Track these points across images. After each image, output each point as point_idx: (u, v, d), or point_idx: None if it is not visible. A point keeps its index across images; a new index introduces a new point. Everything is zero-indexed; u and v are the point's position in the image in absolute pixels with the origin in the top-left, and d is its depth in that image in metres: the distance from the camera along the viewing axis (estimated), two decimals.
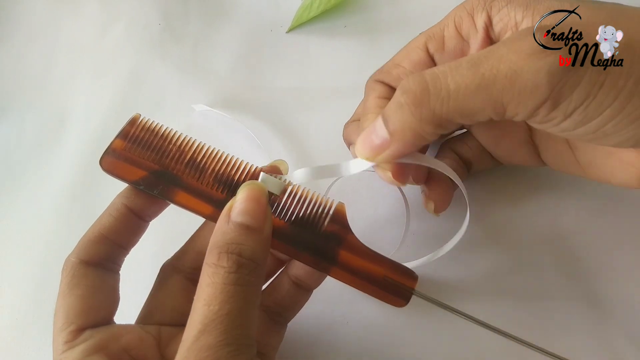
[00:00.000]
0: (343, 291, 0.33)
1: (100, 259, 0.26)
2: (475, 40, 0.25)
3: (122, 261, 0.28)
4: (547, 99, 0.20)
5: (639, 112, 0.20)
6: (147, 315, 0.28)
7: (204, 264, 0.23)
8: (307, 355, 0.32)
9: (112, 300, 0.27)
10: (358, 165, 0.25)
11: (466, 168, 0.32)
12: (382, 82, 0.28)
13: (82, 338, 0.25)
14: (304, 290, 0.29)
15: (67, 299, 0.25)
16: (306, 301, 0.30)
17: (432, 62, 0.27)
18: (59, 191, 0.39)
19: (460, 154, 0.32)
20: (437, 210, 0.31)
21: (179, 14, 0.45)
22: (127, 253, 0.28)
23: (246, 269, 0.22)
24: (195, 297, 0.22)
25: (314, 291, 0.30)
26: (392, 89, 0.27)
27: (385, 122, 0.23)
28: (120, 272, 0.28)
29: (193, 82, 0.42)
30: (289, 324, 0.30)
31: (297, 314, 0.30)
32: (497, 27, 0.25)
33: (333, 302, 0.33)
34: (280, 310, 0.29)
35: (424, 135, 0.22)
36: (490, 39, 0.25)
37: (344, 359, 0.32)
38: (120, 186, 0.38)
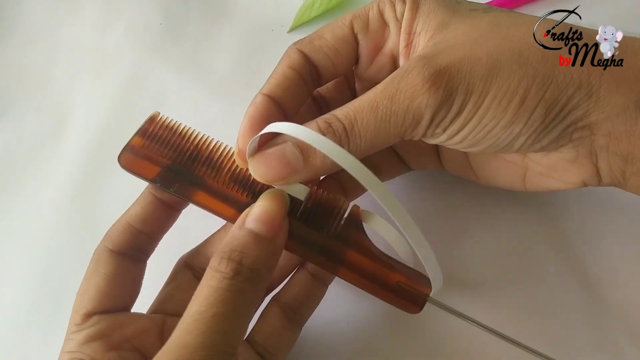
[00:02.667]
0: (344, 291, 0.33)
1: (126, 248, 0.27)
2: (394, 27, 0.27)
3: (150, 251, 0.29)
4: (429, 126, 0.24)
5: (491, 125, 0.24)
6: (158, 304, 0.28)
7: (208, 266, 0.23)
8: (306, 355, 0.32)
9: (129, 290, 0.28)
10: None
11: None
12: (301, 52, 0.27)
13: (89, 323, 0.25)
14: (319, 284, 0.29)
15: (86, 283, 0.26)
16: (321, 297, 0.30)
17: (355, 41, 0.28)
18: (59, 191, 0.39)
19: (369, 159, 0.29)
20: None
21: (179, 13, 0.45)
22: (156, 243, 0.29)
23: (242, 276, 0.22)
24: (192, 297, 0.23)
25: None
26: (308, 61, 0.27)
27: (305, 155, 0.24)
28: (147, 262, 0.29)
29: (194, 82, 0.42)
30: None
31: None
32: (404, 23, 0.27)
33: (333, 302, 0.33)
34: (297, 305, 0.29)
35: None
36: (402, 29, 0.27)
37: (344, 358, 0.32)
38: (121, 185, 0.38)
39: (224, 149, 0.27)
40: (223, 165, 0.27)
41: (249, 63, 0.43)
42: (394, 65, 0.28)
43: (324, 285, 0.30)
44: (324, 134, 0.23)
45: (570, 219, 0.34)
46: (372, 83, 0.27)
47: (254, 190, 0.26)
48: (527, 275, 0.33)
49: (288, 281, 0.29)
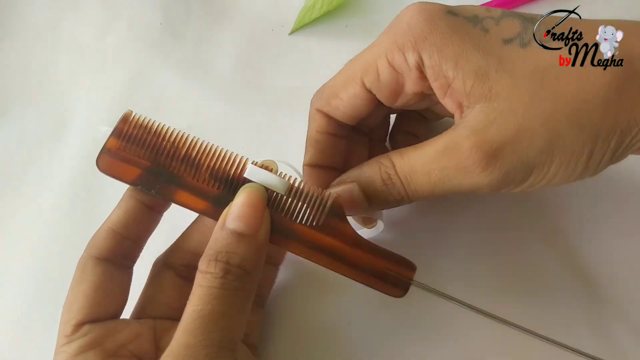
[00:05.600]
0: (345, 292, 0.33)
1: (110, 254, 0.27)
2: (410, 75, 0.26)
3: (135, 257, 0.28)
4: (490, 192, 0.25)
5: (560, 181, 0.24)
6: (141, 309, 0.28)
7: (197, 271, 0.23)
8: (307, 355, 0.32)
9: (118, 296, 0.27)
10: None
11: None
12: (322, 113, 0.29)
13: (80, 333, 0.25)
14: (272, 267, 0.31)
15: (72, 292, 0.26)
16: (275, 277, 0.32)
17: (370, 94, 0.27)
18: (59, 191, 0.39)
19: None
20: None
21: (180, 13, 0.45)
22: (141, 248, 0.28)
23: (233, 275, 0.23)
24: (188, 300, 0.23)
25: (314, 292, 0.30)
26: (331, 120, 0.29)
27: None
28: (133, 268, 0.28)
29: (194, 82, 0.42)
30: (289, 324, 0.31)
31: (298, 315, 0.31)
32: (429, 71, 0.25)
33: (333, 302, 0.33)
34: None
35: None
36: (424, 76, 0.25)
37: (345, 358, 0.32)
38: (121, 185, 0.38)
39: (201, 144, 0.27)
40: (201, 162, 0.26)
41: (249, 63, 0.43)
42: (421, 98, 0.27)
43: (276, 267, 0.32)
44: (385, 184, 0.26)
45: (569, 216, 0.34)
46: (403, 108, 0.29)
47: (235, 187, 0.26)
48: (526, 274, 0.33)
49: None
